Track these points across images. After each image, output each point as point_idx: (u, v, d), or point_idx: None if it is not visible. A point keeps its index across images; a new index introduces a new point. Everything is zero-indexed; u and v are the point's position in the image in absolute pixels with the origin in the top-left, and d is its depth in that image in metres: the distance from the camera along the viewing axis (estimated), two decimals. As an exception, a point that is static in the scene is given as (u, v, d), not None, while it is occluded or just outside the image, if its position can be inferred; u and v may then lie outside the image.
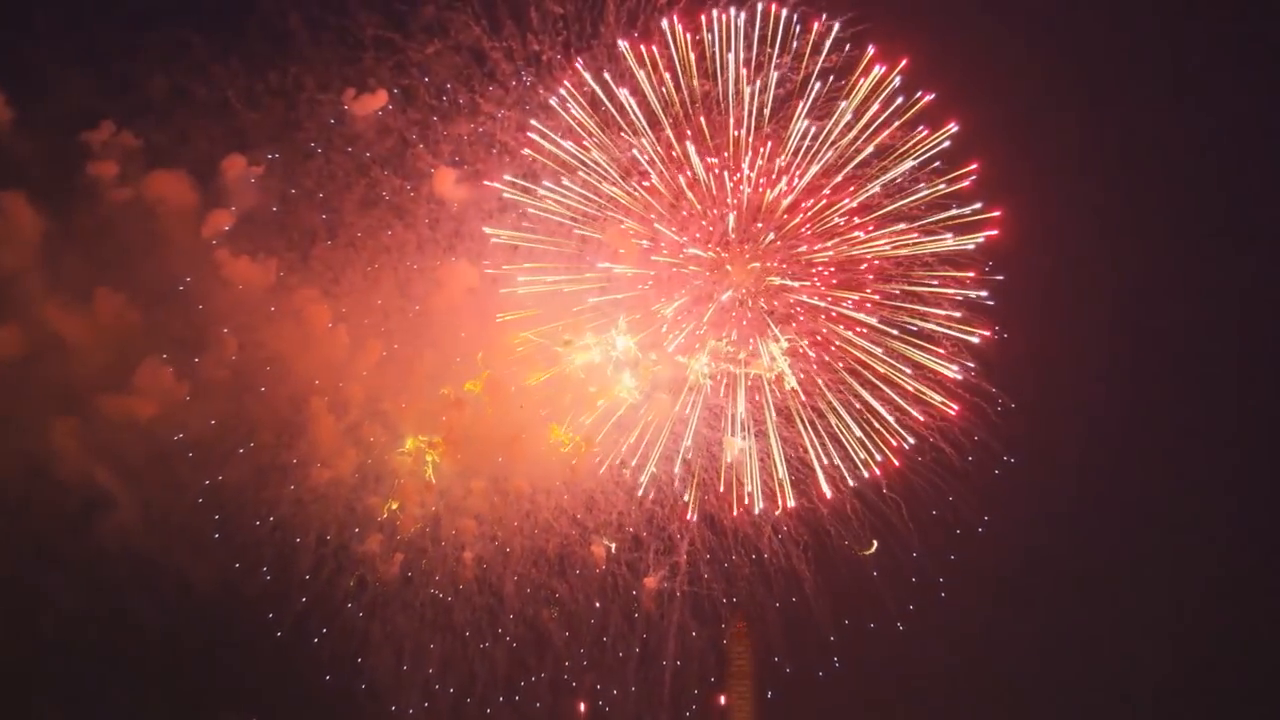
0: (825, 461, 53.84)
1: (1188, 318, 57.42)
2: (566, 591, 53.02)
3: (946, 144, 53.69)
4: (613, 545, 53.28)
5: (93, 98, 50.26)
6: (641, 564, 53.38)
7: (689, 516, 53.56)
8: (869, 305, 54.26)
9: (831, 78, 53.37)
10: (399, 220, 52.42)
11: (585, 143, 52.76)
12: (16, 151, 49.20)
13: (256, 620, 51.31)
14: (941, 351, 54.15)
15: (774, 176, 53.59)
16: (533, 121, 52.40)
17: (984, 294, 54.08)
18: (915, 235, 54.08)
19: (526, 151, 52.47)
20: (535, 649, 53.02)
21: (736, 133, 53.15)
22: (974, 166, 53.66)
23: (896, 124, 53.43)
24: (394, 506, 52.14)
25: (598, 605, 53.14)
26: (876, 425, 53.75)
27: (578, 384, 52.50)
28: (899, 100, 53.16)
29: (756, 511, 53.62)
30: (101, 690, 49.94)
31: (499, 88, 51.51)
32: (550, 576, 52.93)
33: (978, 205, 53.51)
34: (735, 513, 53.64)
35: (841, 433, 53.87)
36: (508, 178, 52.47)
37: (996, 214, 53.78)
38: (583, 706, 53.58)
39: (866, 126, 53.44)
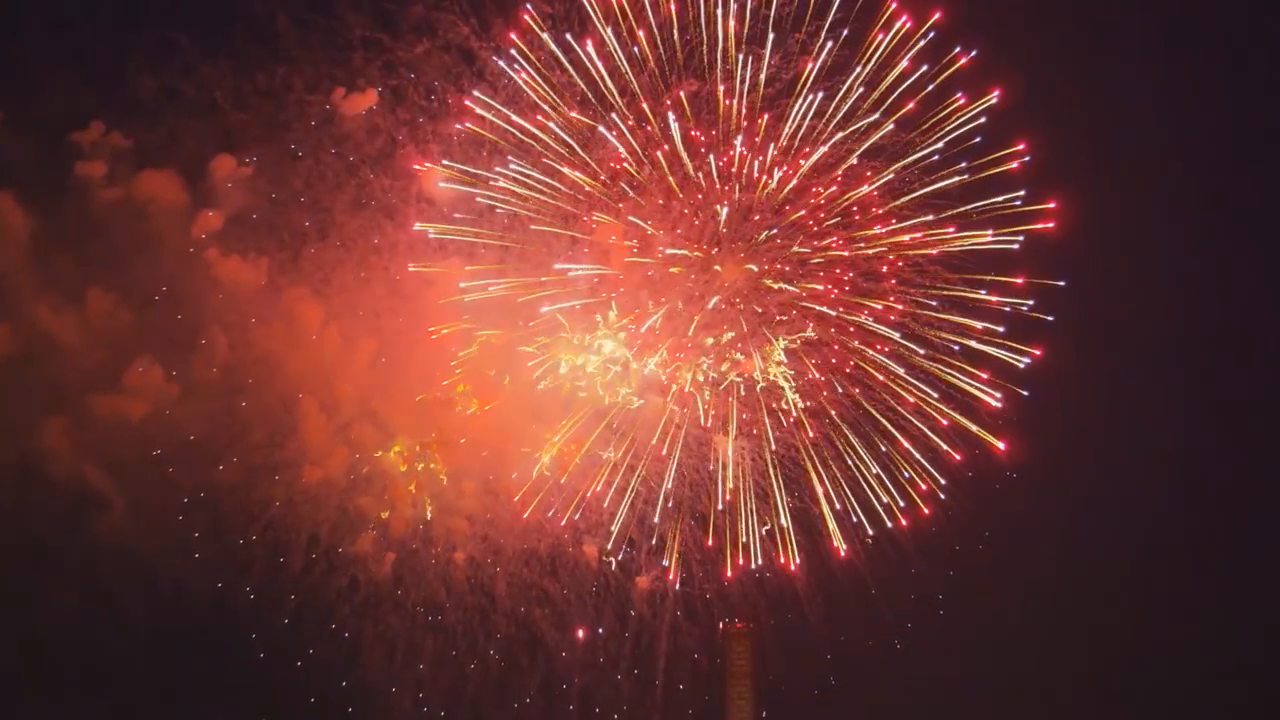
0: (838, 506, 49.01)
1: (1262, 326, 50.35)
2: (558, 591, 52.79)
3: (983, 120, 47.40)
4: (614, 561, 51.94)
5: (81, 98, 50.38)
6: (633, 564, 53.02)
7: (671, 579, 50.69)
8: (891, 316, 48.33)
9: (845, 33, 46.73)
10: (389, 220, 52.12)
11: (544, 115, 48.21)
12: (5, 152, 49.28)
13: (249, 621, 51.69)
14: (984, 376, 47.65)
15: (772, 158, 47.78)
16: (476, 92, 49.23)
17: (1030, 303, 47.64)
18: (949, 230, 47.33)
19: (466, 126, 48.90)
20: (527, 649, 52.91)
21: (728, 104, 47.23)
22: (1021, 146, 47.14)
23: (926, 91, 46.62)
24: (385, 515, 51.76)
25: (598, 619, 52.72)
26: (902, 464, 48.69)
27: (564, 388, 51.22)
28: (924, 67, 46.75)
29: (755, 566, 50.42)
30: (92, 691, 50.20)
31: (488, 87, 51.04)
32: (541, 576, 52.68)
33: (1021, 193, 47.06)
34: (730, 574, 50.72)
35: (859, 471, 48.75)
36: (446, 163, 49.79)
37: (1050, 205, 47.17)
38: (581, 633, 52.48)
39: (887, 95, 46.80)
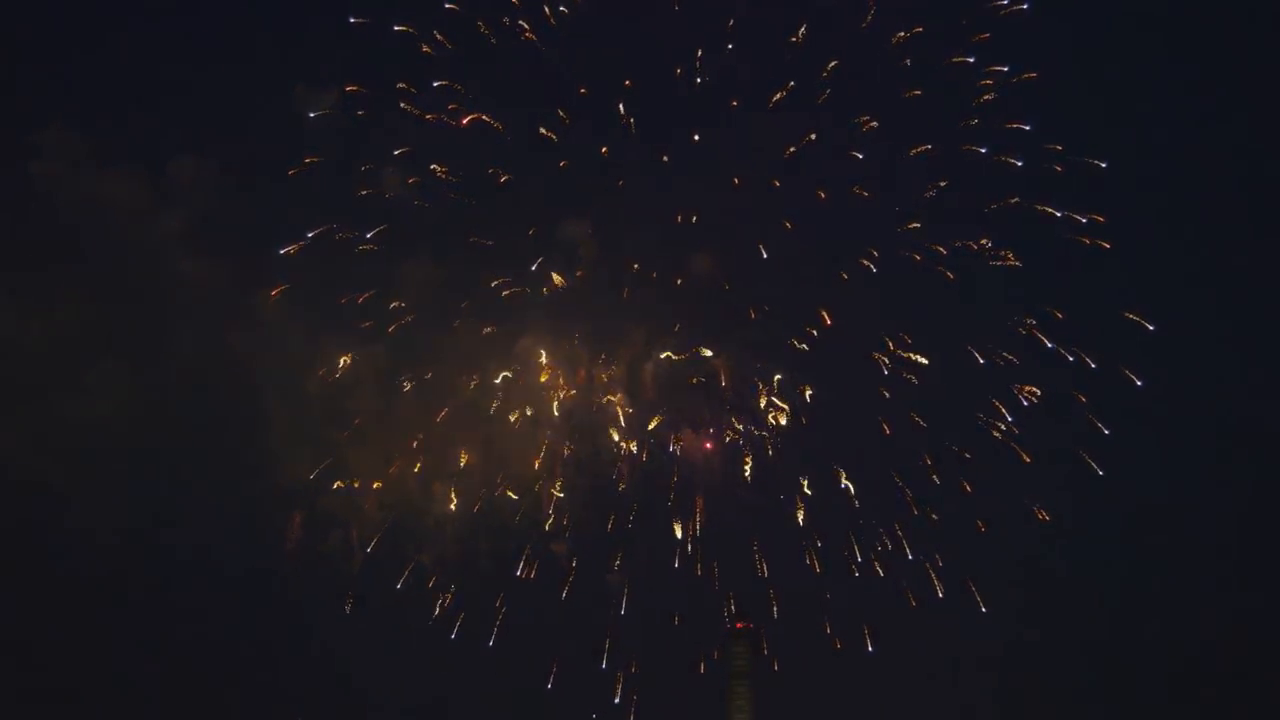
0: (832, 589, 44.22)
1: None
2: (533, 591, 52.33)
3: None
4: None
5: (41, 98, 50.45)
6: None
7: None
8: (898, 367, 40.41)
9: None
10: (356, 219, 51.38)
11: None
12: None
13: (223, 620, 52.51)
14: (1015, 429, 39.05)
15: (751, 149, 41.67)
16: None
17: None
18: (971, 246, 38.55)
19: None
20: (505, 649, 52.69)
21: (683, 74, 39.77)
22: (1058, 148, 38.46)
23: (945, 64, 38.42)
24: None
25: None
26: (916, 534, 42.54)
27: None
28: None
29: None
30: (63, 690, 50.88)
31: (449, 85, 49.64)
32: (515, 576, 52.23)
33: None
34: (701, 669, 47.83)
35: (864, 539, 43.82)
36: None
37: (1099, 219, 38.85)
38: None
39: (899, 60, 38.86)
